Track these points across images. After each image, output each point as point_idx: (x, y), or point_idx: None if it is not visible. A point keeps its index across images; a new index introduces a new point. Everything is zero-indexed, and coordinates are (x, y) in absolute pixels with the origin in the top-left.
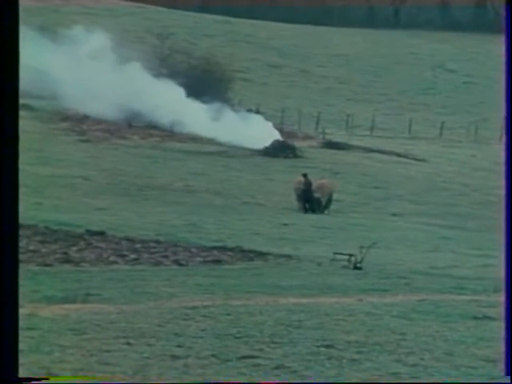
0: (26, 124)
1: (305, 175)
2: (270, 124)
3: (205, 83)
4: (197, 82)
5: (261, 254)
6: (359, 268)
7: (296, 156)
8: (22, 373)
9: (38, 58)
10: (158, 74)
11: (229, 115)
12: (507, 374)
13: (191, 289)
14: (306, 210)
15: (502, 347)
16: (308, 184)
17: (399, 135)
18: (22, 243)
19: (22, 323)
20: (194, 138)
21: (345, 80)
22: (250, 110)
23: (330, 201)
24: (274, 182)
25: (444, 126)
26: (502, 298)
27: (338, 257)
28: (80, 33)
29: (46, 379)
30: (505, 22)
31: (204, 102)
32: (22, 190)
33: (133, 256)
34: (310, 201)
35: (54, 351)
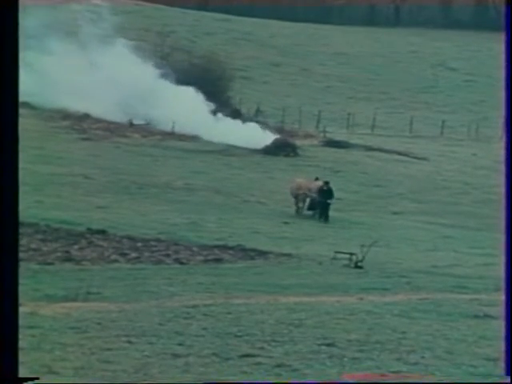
0: (26, 122)
1: (327, 182)
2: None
3: (205, 82)
4: (197, 80)
5: (262, 253)
6: (360, 267)
7: (297, 154)
8: (24, 371)
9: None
10: (158, 73)
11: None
12: (507, 374)
13: (192, 287)
14: (321, 218)
15: (502, 346)
16: (329, 192)
17: (400, 134)
18: (23, 241)
19: (23, 322)
20: (195, 137)
21: (345, 78)
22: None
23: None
24: (275, 181)
25: (445, 125)
26: (502, 296)
27: (339, 256)
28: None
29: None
30: (505, 21)
31: (203, 100)
32: (22, 189)
33: (134, 255)
34: (324, 207)
35: (55, 349)
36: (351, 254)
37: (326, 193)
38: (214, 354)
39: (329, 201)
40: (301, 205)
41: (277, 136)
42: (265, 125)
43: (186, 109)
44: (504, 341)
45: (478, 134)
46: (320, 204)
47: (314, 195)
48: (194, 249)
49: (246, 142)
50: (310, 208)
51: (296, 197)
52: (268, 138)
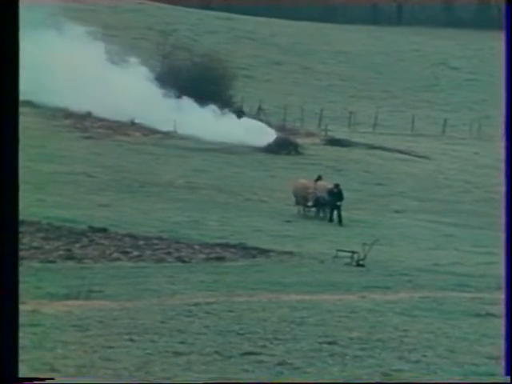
0: (28, 121)
1: (337, 185)
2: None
3: (207, 80)
4: (199, 79)
5: (263, 251)
6: (362, 265)
7: (298, 153)
8: (25, 369)
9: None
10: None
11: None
12: (507, 374)
13: (194, 285)
14: (331, 220)
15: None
16: (339, 194)
17: (402, 132)
18: (25, 240)
19: (24, 319)
20: (196, 135)
21: (347, 77)
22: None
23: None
24: (277, 179)
25: (447, 123)
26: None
27: (341, 254)
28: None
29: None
30: (505, 20)
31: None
32: (24, 187)
33: (136, 253)
34: (333, 209)
35: (56, 347)
36: (353, 252)
37: (335, 195)
38: (215, 352)
39: (338, 203)
40: (310, 204)
41: (278, 134)
42: (267, 123)
43: (139, 95)
44: (504, 340)
45: (480, 132)
46: (329, 205)
47: (323, 194)
48: (196, 247)
49: (247, 139)
50: (314, 205)
51: (303, 197)
52: (270, 136)
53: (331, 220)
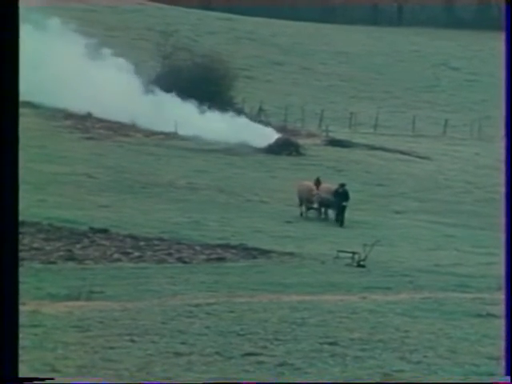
0: (29, 121)
1: (343, 185)
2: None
3: (208, 81)
4: (200, 79)
5: (264, 252)
6: (362, 266)
7: (299, 154)
8: (26, 369)
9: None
10: (158, 73)
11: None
12: (507, 374)
13: (195, 286)
14: (338, 221)
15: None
16: (345, 194)
17: (402, 133)
18: (26, 240)
19: (25, 320)
20: (197, 136)
21: (348, 77)
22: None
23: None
24: (278, 180)
25: (447, 124)
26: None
27: (342, 254)
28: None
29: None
30: (505, 20)
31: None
32: (25, 188)
33: (136, 254)
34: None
35: (57, 348)
36: (354, 252)
37: (341, 195)
38: (216, 353)
39: (344, 203)
40: (315, 206)
41: (279, 135)
42: (268, 124)
43: (120, 93)
44: (504, 340)
45: (481, 133)
46: (336, 206)
47: (328, 196)
48: (197, 248)
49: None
50: (318, 207)
51: (308, 199)
52: (271, 136)
53: (337, 220)
